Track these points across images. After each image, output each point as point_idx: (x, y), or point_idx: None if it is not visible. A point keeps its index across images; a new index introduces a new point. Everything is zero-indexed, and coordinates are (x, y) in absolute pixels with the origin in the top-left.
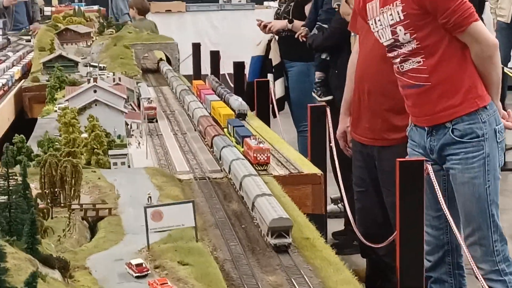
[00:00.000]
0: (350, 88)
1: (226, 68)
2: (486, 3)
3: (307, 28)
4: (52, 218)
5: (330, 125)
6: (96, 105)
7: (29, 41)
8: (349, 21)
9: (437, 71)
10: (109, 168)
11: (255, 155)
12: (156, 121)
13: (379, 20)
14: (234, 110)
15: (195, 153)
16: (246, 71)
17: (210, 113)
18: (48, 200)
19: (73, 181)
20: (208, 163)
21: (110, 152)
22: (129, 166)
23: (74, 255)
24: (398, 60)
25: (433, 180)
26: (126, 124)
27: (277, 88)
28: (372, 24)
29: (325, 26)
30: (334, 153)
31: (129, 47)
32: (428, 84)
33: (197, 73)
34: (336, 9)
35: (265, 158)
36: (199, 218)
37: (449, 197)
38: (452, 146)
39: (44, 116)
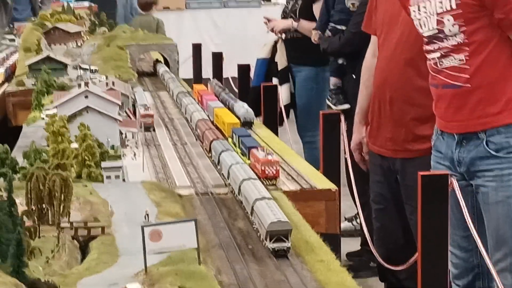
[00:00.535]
0: (365, 96)
1: (230, 71)
2: None
3: (319, 32)
4: (39, 237)
5: (345, 135)
6: (87, 112)
7: (13, 40)
8: None
9: (479, 72)
10: (102, 182)
11: (263, 168)
12: (154, 130)
13: (424, 7)
14: (239, 118)
15: (197, 166)
16: (252, 74)
17: (213, 121)
18: (35, 218)
19: (62, 196)
20: (211, 177)
21: (103, 164)
22: (123, 180)
23: (64, 278)
24: (437, 54)
25: (458, 197)
26: (121, 133)
27: (282, 94)
28: (414, 10)
29: (339, 27)
30: (349, 165)
31: (124, 48)
32: (467, 85)
33: (197, 77)
34: (351, 9)
35: (274, 172)
36: (202, 238)
37: (478, 216)
38: (485, 160)
39: (30, 124)
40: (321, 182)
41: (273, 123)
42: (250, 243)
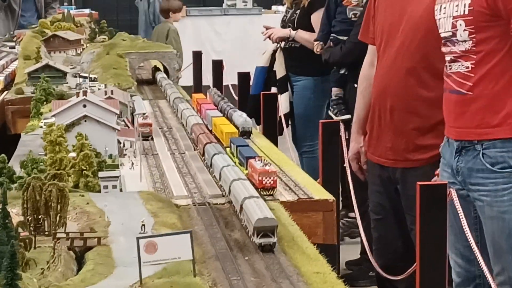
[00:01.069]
0: (362, 105)
1: (230, 78)
2: None
3: (321, 42)
4: (35, 248)
5: (344, 144)
6: (85, 121)
7: (13, 48)
8: None
9: (482, 82)
10: (99, 191)
11: (260, 178)
12: (152, 139)
13: (445, 8)
14: (237, 128)
15: (194, 175)
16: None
17: (211, 131)
18: (31, 228)
19: (58, 206)
20: (208, 187)
21: (100, 174)
22: (121, 190)
23: None
24: (448, 58)
25: (457, 206)
26: (119, 142)
27: (282, 104)
28: (437, 9)
29: (341, 38)
30: (348, 175)
31: (123, 56)
32: (469, 94)
33: (197, 84)
34: (353, 19)
35: (272, 182)
36: (198, 249)
37: (480, 226)
38: (481, 173)
39: (28, 133)
40: (318, 192)
41: (273, 131)
42: (246, 254)
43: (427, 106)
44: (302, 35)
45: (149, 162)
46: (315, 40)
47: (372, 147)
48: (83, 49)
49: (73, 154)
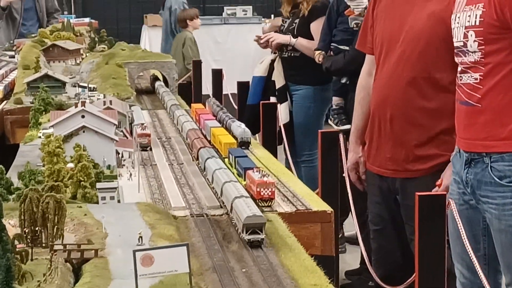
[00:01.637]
0: (360, 115)
1: (230, 88)
2: None
3: (323, 52)
4: (32, 260)
5: (344, 154)
6: (84, 131)
7: (13, 57)
8: None
9: (490, 94)
10: (97, 202)
11: (258, 189)
12: (150, 150)
13: (459, 17)
14: (236, 138)
15: (192, 186)
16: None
17: (210, 141)
18: (28, 240)
19: (56, 218)
20: (206, 198)
21: (98, 185)
22: (119, 201)
23: None
24: (460, 68)
25: (456, 219)
26: (117, 153)
27: (282, 113)
28: (453, 18)
29: (342, 47)
30: (348, 185)
31: (122, 66)
32: (478, 105)
33: (197, 94)
34: (355, 28)
35: (269, 193)
36: (195, 261)
37: (490, 235)
38: (489, 186)
39: (27, 143)
40: (316, 203)
41: (272, 141)
42: (244, 266)
43: (427, 117)
44: (303, 43)
45: (148, 172)
46: (316, 50)
47: (372, 157)
48: (82, 58)
49: (71, 165)
